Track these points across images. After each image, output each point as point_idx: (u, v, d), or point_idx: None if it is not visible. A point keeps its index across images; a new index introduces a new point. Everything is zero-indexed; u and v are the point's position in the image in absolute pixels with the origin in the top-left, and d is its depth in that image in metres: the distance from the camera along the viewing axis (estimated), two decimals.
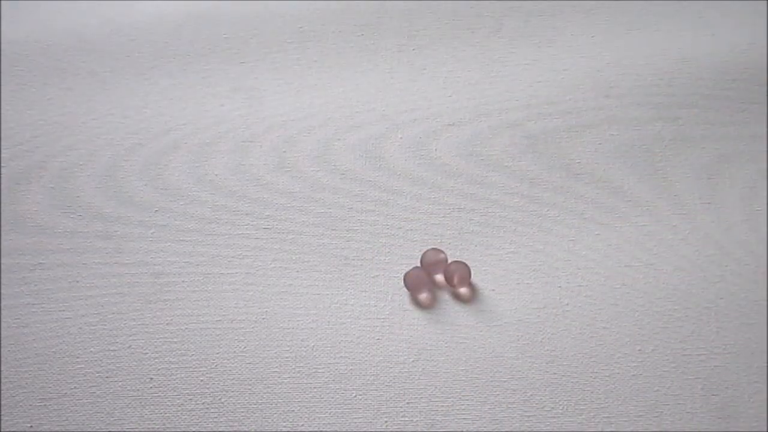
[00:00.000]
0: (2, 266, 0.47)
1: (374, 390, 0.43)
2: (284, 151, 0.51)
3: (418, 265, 0.46)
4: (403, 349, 0.44)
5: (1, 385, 0.43)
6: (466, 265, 0.46)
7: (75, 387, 0.43)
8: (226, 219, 0.48)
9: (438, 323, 0.45)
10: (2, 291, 0.46)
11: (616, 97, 0.52)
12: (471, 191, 0.49)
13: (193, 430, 0.42)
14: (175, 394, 0.43)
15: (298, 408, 0.42)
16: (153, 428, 0.42)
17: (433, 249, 0.46)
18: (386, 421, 0.42)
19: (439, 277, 0.46)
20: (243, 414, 0.42)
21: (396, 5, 0.56)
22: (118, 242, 0.48)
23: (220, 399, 0.43)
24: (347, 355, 0.44)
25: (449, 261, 0.46)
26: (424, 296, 0.46)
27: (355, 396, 0.42)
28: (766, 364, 0.43)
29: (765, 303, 0.45)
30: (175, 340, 0.44)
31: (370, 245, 0.47)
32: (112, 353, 0.44)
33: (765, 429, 0.41)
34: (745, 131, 0.51)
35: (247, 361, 0.44)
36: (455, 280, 0.45)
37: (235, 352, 0.44)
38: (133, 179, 0.50)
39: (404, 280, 0.45)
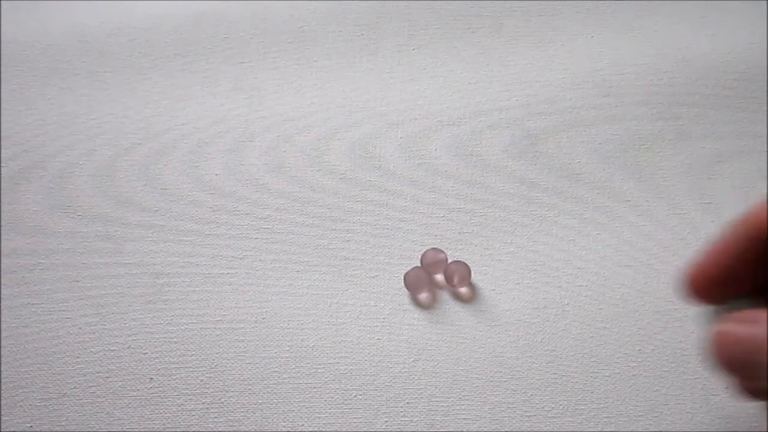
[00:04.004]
0: (2, 266, 0.47)
1: (374, 390, 0.43)
2: (284, 151, 0.51)
3: (418, 264, 0.46)
4: (403, 349, 0.44)
5: (1, 385, 0.43)
6: (466, 265, 0.46)
7: (75, 387, 0.43)
8: (226, 219, 0.48)
9: (438, 323, 0.45)
10: (2, 291, 0.46)
11: (615, 96, 0.52)
12: (471, 191, 0.49)
13: (194, 430, 0.42)
14: (176, 394, 0.43)
15: (298, 408, 0.42)
16: (153, 428, 0.42)
17: (433, 249, 0.46)
18: (386, 421, 0.42)
19: (439, 277, 0.46)
20: (243, 414, 0.42)
21: (396, 5, 0.56)
22: (117, 242, 0.48)
23: (220, 399, 0.43)
24: (347, 355, 0.44)
25: (449, 261, 0.46)
26: (424, 296, 0.46)
27: (355, 396, 0.42)
28: None
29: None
30: (175, 340, 0.44)
31: (369, 245, 0.47)
32: (112, 353, 0.44)
33: (765, 429, 0.41)
34: (745, 131, 0.51)
35: (247, 361, 0.44)
36: (455, 280, 0.45)
37: (235, 352, 0.44)
38: (132, 179, 0.50)
39: (404, 280, 0.45)
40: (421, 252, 0.46)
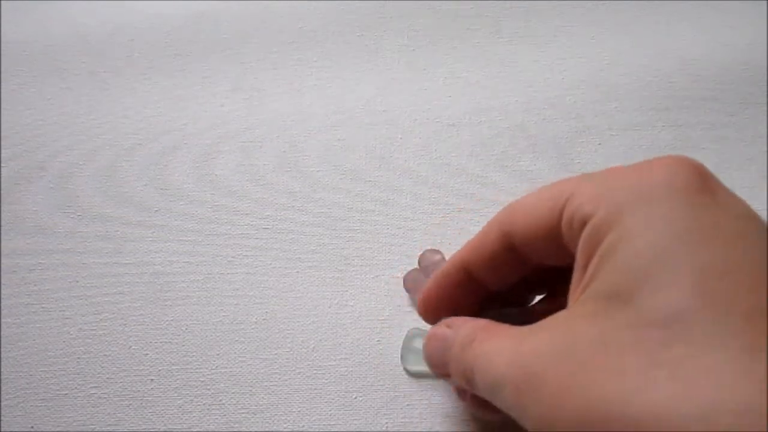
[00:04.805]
0: (2, 266, 0.47)
1: (375, 391, 0.43)
2: (284, 151, 0.51)
3: (417, 266, 0.46)
4: None
5: (1, 385, 0.43)
6: None
7: (76, 388, 0.43)
8: (227, 219, 0.48)
9: None
10: (2, 291, 0.46)
11: (616, 97, 0.52)
12: (471, 191, 0.49)
13: (194, 431, 0.42)
14: (176, 395, 0.43)
15: (299, 409, 0.42)
16: (154, 429, 0.42)
17: (429, 250, 0.46)
18: (386, 423, 0.42)
19: None
20: (244, 415, 0.42)
21: (396, 5, 0.56)
22: (118, 242, 0.48)
23: (220, 400, 0.43)
24: (348, 357, 0.44)
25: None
26: None
27: (356, 397, 0.43)
28: None
29: None
30: (175, 340, 0.45)
31: (370, 245, 0.47)
32: (112, 353, 0.44)
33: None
34: (745, 132, 0.51)
35: (248, 363, 0.44)
36: None
37: (235, 353, 0.44)
38: (133, 179, 0.50)
39: (404, 282, 0.45)
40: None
